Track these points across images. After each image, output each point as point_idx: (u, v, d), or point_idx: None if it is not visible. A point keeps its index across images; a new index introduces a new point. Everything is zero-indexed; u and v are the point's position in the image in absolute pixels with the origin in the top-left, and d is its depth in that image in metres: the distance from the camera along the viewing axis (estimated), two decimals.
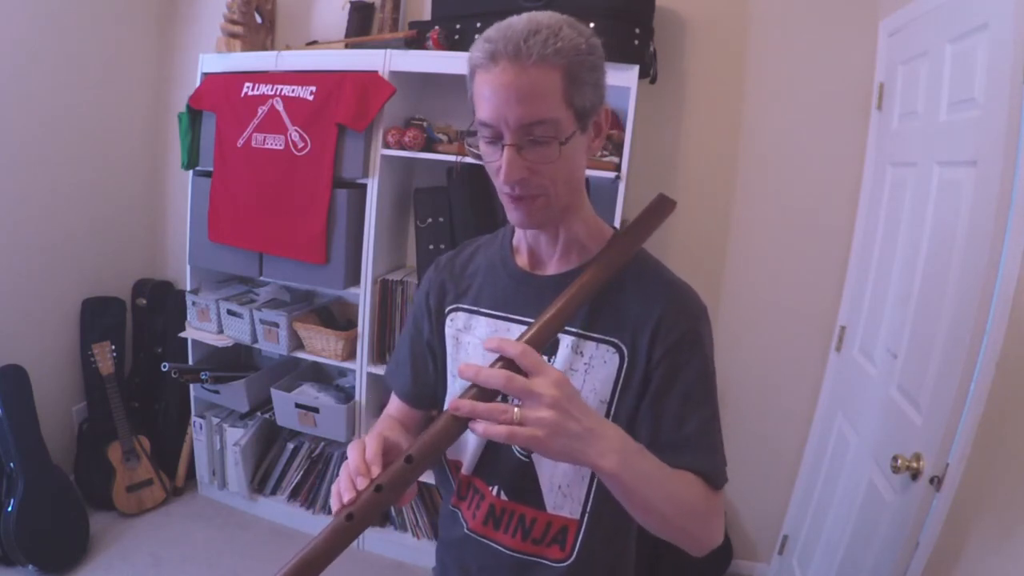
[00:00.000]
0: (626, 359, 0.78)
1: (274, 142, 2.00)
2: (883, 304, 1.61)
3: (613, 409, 0.79)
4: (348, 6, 2.16)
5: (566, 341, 0.79)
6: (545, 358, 0.67)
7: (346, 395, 2.22)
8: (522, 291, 0.84)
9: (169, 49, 2.52)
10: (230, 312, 2.19)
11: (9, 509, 1.89)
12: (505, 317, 0.84)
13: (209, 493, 2.47)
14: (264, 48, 2.24)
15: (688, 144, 2.06)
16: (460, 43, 1.90)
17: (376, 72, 1.90)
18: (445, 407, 0.87)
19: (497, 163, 0.70)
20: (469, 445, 0.87)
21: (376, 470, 0.65)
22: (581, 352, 0.79)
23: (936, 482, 1.15)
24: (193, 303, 2.26)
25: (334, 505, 0.64)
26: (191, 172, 2.22)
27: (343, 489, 0.64)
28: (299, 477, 2.32)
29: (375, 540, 2.24)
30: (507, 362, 0.64)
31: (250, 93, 2.02)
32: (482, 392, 0.63)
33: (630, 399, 0.78)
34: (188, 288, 2.30)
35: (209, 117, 2.14)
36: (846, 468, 1.68)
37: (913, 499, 1.21)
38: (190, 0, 2.48)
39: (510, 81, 0.66)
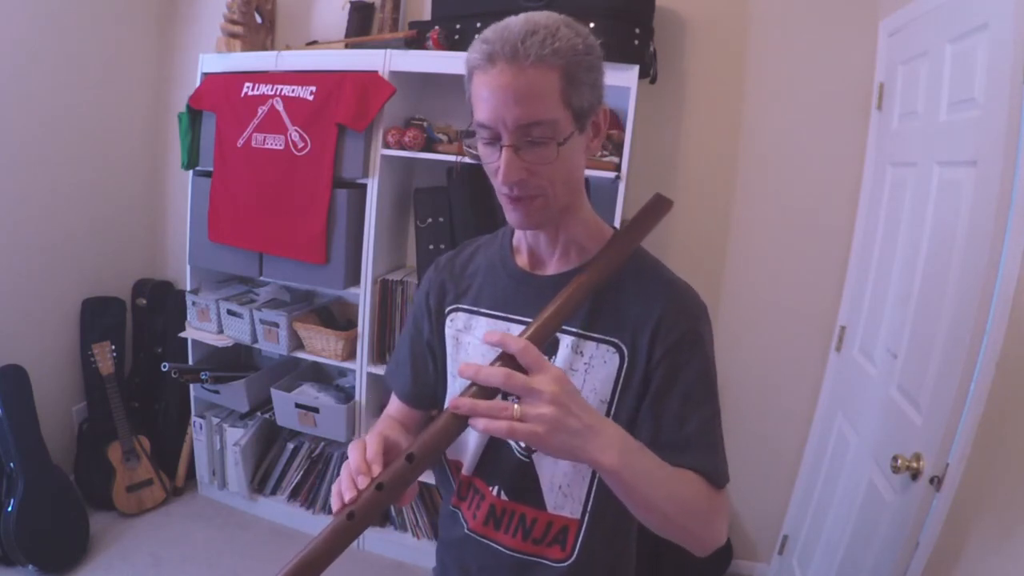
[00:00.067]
0: (626, 359, 0.78)
1: (274, 142, 2.00)
2: (883, 304, 1.61)
3: (613, 409, 0.79)
4: (348, 6, 2.16)
5: (566, 341, 0.79)
6: (545, 358, 0.67)
7: (346, 395, 2.22)
8: (522, 291, 0.84)
9: (169, 49, 2.52)
10: (230, 312, 2.19)
11: (9, 509, 1.89)
12: (505, 317, 0.84)
13: (209, 493, 2.47)
14: (264, 48, 2.24)
15: (688, 144, 2.06)
16: (460, 43, 1.90)
17: (376, 72, 1.90)
18: (445, 407, 0.87)
19: (495, 164, 0.70)
20: (469, 445, 0.87)
21: (377, 469, 0.65)
22: (581, 352, 0.79)
23: (936, 482, 1.15)
24: (193, 303, 2.26)
25: (335, 505, 0.64)
26: (191, 172, 2.22)
27: (344, 488, 0.64)
28: (299, 477, 2.32)
29: (375, 540, 2.24)
30: (507, 360, 0.64)
31: (250, 93, 2.02)
32: (482, 390, 0.63)
33: (630, 399, 0.78)
34: (188, 288, 2.30)
35: (209, 117, 2.14)
36: (846, 468, 1.68)
37: (913, 499, 1.21)
38: (190, 0, 2.48)
39: (508, 82, 0.66)
